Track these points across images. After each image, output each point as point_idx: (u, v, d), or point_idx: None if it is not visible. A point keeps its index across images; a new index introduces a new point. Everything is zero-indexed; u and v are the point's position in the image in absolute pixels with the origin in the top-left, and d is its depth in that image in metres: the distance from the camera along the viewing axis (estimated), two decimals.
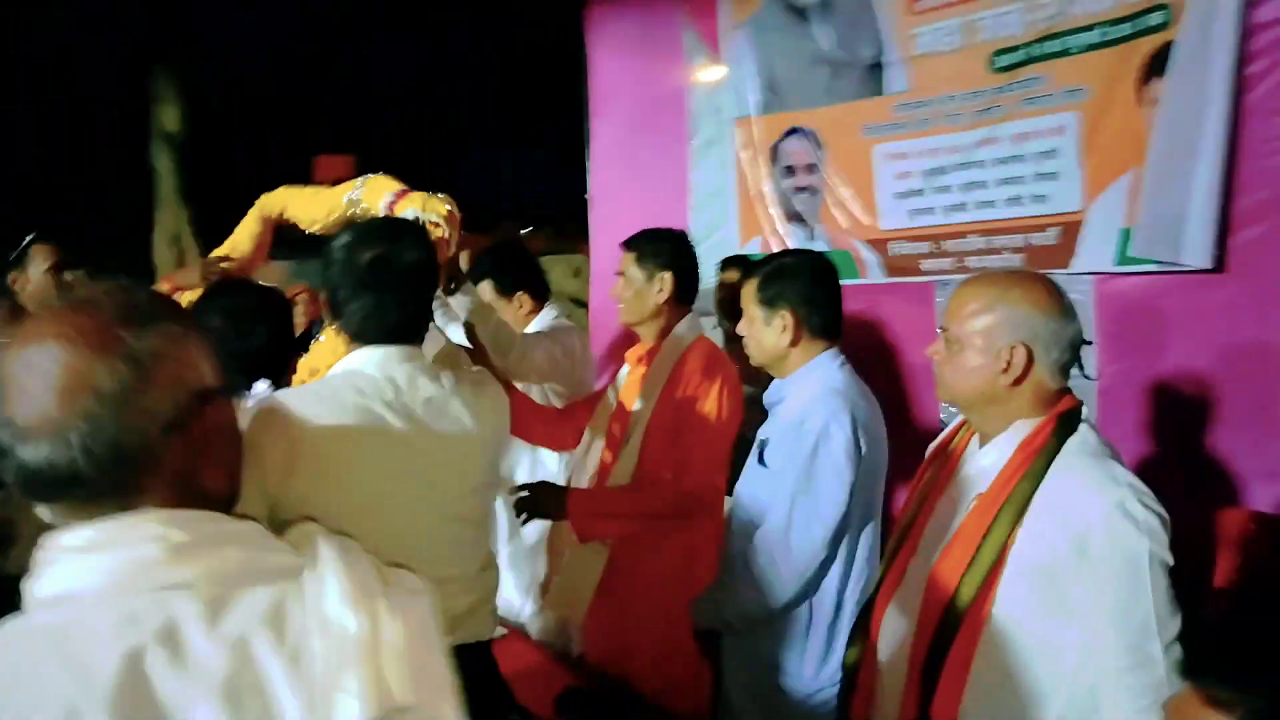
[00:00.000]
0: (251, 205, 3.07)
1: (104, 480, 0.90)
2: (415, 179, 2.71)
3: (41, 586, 0.91)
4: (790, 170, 4.10)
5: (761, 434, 2.48)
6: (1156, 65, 3.07)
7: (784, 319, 2.35)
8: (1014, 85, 3.45)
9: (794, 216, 4.11)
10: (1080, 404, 1.68)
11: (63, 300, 0.97)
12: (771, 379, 2.52)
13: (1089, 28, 3.26)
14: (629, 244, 2.95)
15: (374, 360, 1.72)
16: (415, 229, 1.94)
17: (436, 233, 2.38)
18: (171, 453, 0.94)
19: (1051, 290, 1.66)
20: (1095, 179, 3.29)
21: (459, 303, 2.87)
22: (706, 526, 2.75)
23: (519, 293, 3.67)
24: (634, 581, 2.81)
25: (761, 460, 2.42)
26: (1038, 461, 1.55)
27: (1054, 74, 3.37)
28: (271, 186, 3.05)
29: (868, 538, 2.37)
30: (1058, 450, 1.57)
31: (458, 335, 2.94)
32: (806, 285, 2.38)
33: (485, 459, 1.87)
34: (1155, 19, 3.08)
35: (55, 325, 0.93)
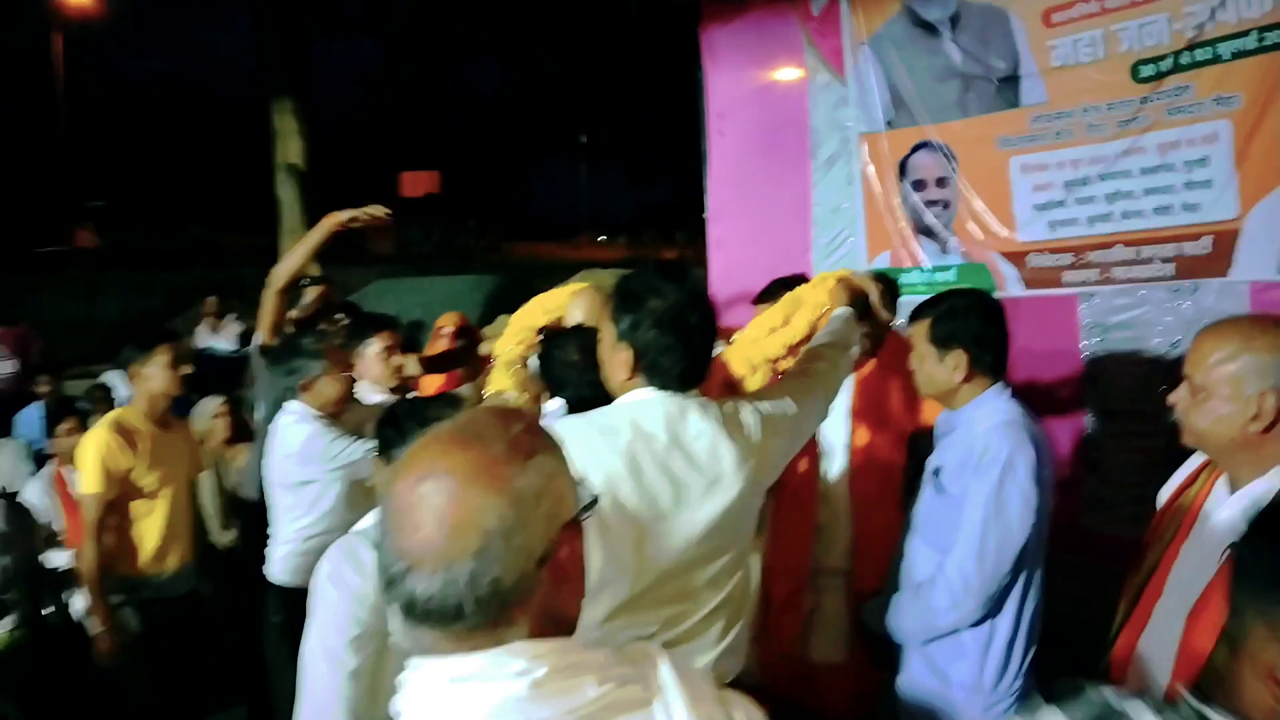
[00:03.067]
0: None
1: (483, 614, 0.93)
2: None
3: (414, 709, 0.96)
4: (920, 184, 4.09)
5: (934, 463, 2.52)
6: None
7: (957, 358, 2.40)
8: (1160, 95, 3.40)
9: (925, 230, 4.10)
10: None
11: (453, 429, 0.99)
12: None
13: (1243, 34, 3.19)
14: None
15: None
16: (695, 278, 2.02)
17: None
18: (541, 584, 0.96)
19: None
20: (1251, 186, 3.23)
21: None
22: None
23: None
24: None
25: (938, 487, 2.46)
26: None
27: (1202, 82, 3.32)
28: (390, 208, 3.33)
29: (1042, 560, 2.41)
30: None
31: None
32: (978, 326, 2.43)
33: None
34: None
35: (447, 460, 0.95)
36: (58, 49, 24.12)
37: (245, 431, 4.90)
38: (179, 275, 18.54)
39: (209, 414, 4.79)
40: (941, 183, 4.02)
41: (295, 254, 3.44)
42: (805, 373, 2.16)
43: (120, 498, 3.26)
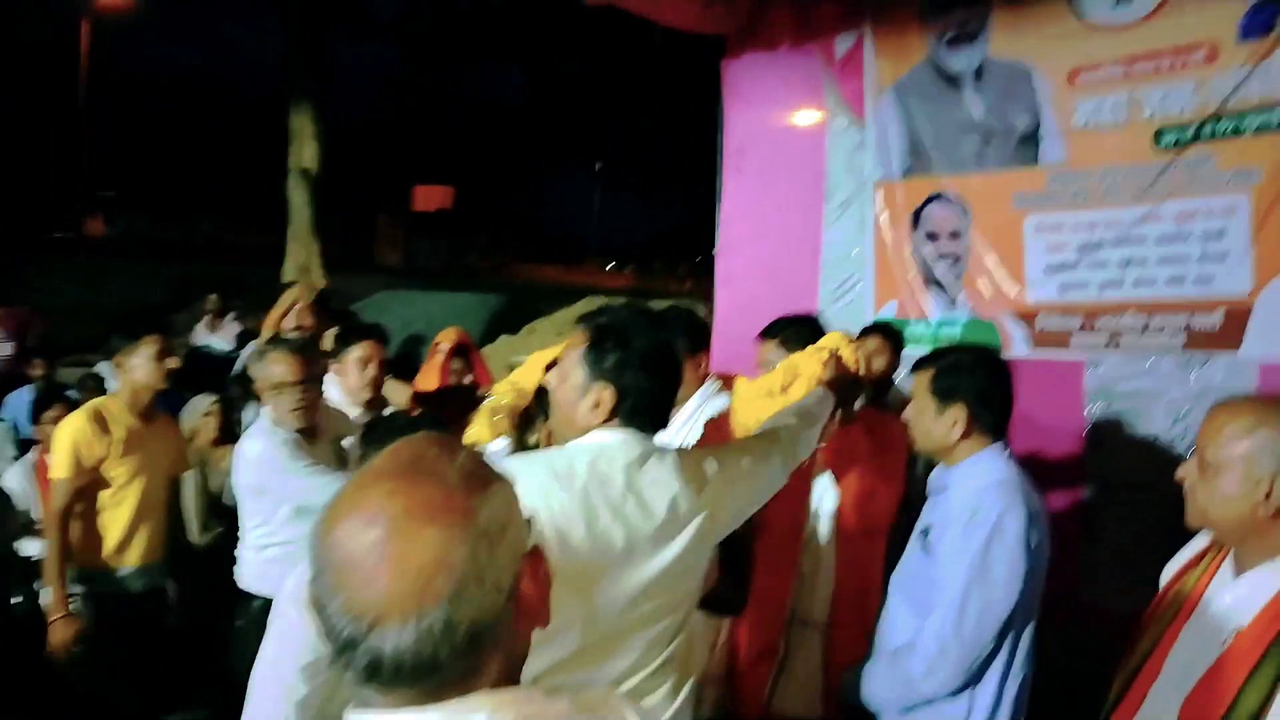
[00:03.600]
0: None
1: (459, 665, 0.84)
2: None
3: None
4: (933, 235, 4.06)
5: (923, 521, 2.45)
6: None
7: (956, 413, 2.34)
8: (1180, 163, 3.37)
9: (934, 282, 4.07)
10: None
11: (393, 465, 0.89)
12: None
13: (1267, 109, 3.17)
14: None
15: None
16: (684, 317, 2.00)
17: None
18: (506, 623, 0.89)
19: None
20: (1267, 263, 3.20)
21: None
22: None
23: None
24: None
25: (924, 546, 2.39)
26: None
27: (1223, 154, 3.29)
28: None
29: (1029, 630, 2.34)
30: None
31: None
32: (982, 382, 2.36)
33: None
34: None
35: (396, 500, 0.84)
36: (83, 38, 24.32)
37: (233, 433, 4.84)
38: (185, 269, 18.57)
39: (200, 412, 4.73)
40: (954, 236, 3.99)
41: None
42: (770, 436, 2.11)
43: (89, 486, 3.20)
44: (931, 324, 4.03)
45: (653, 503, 1.74)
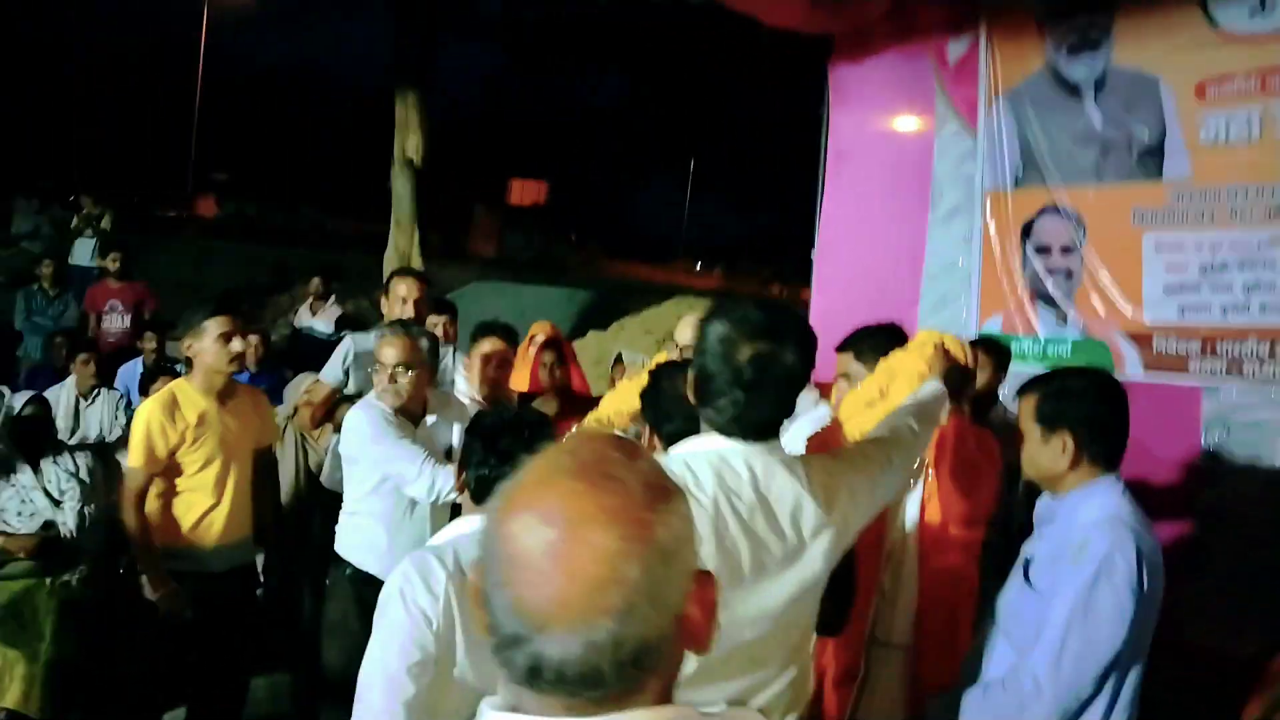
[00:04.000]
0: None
1: (620, 680, 0.81)
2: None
3: None
4: (1044, 249, 3.92)
5: (1026, 552, 2.35)
6: None
7: (1063, 441, 2.22)
8: None
9: (1043, 297, 3.92)
10: None
11: (576, 464, 0.86)
12: None
13: None
14: None
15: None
16: (798, 324, 1.79)
17: None
18: (669, 643, 0.85)
19: None
20: None
21: None
22: None
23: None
24: None
25: (1027, 578, 2.29)
26: None
27: None
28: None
29: (1135, 675, 2.21)
30: None
31: None
32: (1091, 409, 2.23)
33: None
34: None
35: (579, 502, 0.82)
36: (203, 28, 25.38)
37: (334, 411, 4.95)
38: (285, 252, 19.14)
39: (302, 389, 4.85)
40: (1066, 250, 3.84)
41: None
42: (890, 441, 2.01)
43: (165, 471, 3.19)
44: (1039, 340, 3.89)
45: (782, 518, 1.66)
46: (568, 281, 14.53)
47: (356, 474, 3.12)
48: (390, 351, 3.06)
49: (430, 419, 3.18)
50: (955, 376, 2.34)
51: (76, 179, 21.12)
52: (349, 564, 3.11)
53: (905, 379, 2.27)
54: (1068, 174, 3.84)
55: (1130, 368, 3.63)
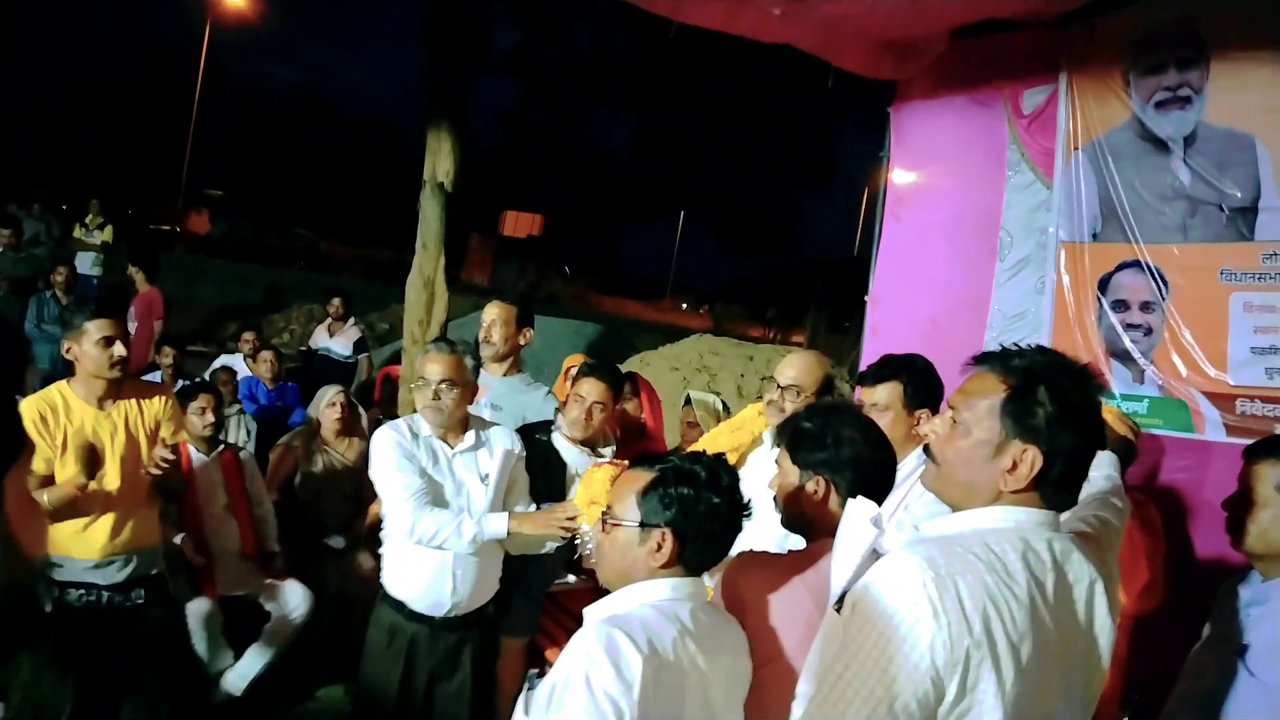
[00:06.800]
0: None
1: None
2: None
3: None
4: (1122, 304, 3.84)
5: (1241, 637, 2.18)
6: None
7: None
8: None
9: (1119, 354, 3.83)
10: None
11: None
12: None
13: None
14: None
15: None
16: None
17: None
18: None
19: None
20: None
21: None
22: None
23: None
24: None
25: (1244, 667, 2.12)
26: None
27: None
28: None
29: None
30: None
31: None
32: None
33: None
34: None
35: None
36: (204, 45, 25.36)
37: (355, 425, 4.82)
38: (278, 273, 18.88)
39: (324, 402, 4.75)
40: (1146, 307, 3.76)
41: None
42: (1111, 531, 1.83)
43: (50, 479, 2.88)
44: (1115, 397, 3.80)
45: (1081, 613, 1.45)
46: (560, 314, 14.37)
47: (381, 493, 2.99)
48: (435, 367, 2.94)
49: (468, 439, 3.02)
50: (1121, 448, 2.21)
51: (79, 188, 20.89)
52: (385, 590, 3.01)
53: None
54: (1150, 230, 3.76)
55: (1211, 430, 3.54)
